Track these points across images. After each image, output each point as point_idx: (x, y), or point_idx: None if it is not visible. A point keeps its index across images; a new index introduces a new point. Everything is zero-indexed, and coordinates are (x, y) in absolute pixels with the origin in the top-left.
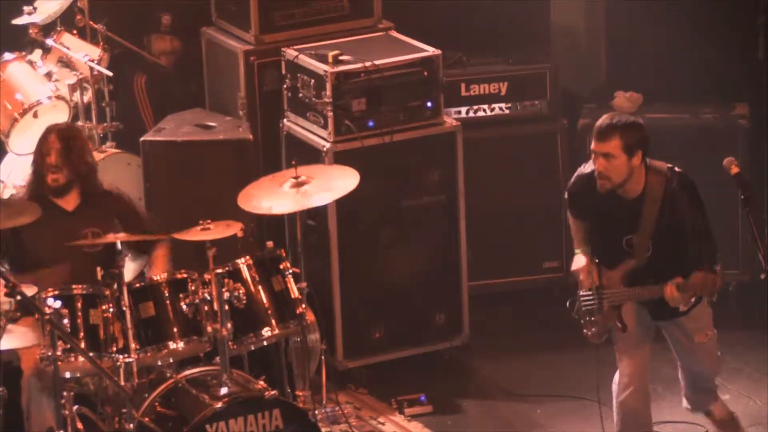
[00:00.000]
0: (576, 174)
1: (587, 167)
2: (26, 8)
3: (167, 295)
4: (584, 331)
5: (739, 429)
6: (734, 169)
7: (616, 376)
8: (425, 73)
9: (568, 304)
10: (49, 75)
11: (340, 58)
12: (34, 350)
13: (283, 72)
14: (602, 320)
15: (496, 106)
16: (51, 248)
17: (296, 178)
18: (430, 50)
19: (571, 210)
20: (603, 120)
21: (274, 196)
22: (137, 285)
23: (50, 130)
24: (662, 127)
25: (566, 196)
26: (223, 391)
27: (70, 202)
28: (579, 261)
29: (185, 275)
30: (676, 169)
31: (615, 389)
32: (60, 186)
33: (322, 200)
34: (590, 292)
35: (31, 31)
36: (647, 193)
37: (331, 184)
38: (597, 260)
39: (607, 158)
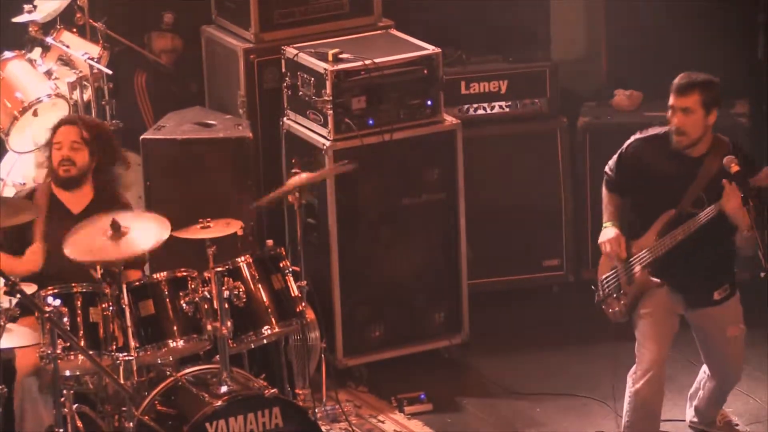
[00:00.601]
0: (632, 139)
1: (646, 135)
2: (26, 6)
3: (167, 293)
4: (609, 311)
5: (733, 430)
6: (734, 168)
7: (633, 367)
8: (425, 72)
9: (593, 287)
10: (48, 73)
11: (340, 56)
12: (31, 350)
13: (283, 70)
14: (633, 290)
15: (495, 104)
16: (56, 246)
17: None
18: (430, 48)
19: (612, 180)
20: (682, 77)
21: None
22: (137, 283)
23: (62, 121)
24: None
25: (613, 165)
26: (223, 389)
27: (77, 204)
28: (608, 233)
29: (185, 273)
30: (736, 143)
31: (630, 379)
32: (72, 174)
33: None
34: (614, 271)
35: (30, 29)
36: (711, 152)
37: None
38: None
39: (686, 113)
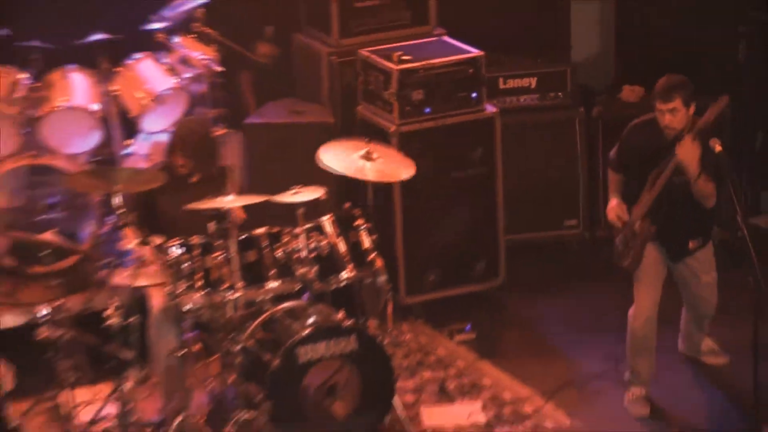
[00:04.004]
0: (630, 125)
1: (640, 121)
2: (155, 17)
3: (266, 244)
4: (623, 263)
5: (720, 357)
6: (718, 148)
7: (632, 309)
8: (471, 71)
9: (609, 247)
10: (171, 70)
11: (403, 57)
12: (160, 288)
13: (358, 69)
14: (638, 242)
15: (526, 97)
16: (175, 210)
17: (369, 153)
18: (475, 52)
19: (615, 162)
20: (662, 83)
21: (343, 158)
22: (242, 236)
23: (178, 129)
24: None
25: (615, 150)
26: (310, 320)
27: (193, 177)
28: (612, 203)
29: (279, 230)
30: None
31: (630, 317)
32: (187, 171)
33: (375, 178)
34: (623, 234)
35: (158, 35)
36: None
37: (391, 170)
38: (625, 202)
39: (672, 113)
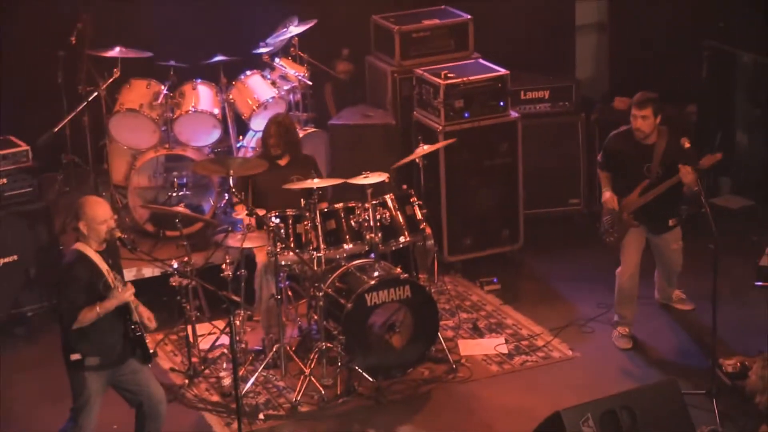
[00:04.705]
0: (610, 135)
1: (618, 132)
2: (261, 43)
3: (342, 216)
4: (607, 239)
5: (687, 304)
6: (686, 144)
7: (619, 268)
8: (499, 85)
9: (597, 225)
10: (273, 83)
11: (448, 75)
12: (263, 249)
13: (414, 83)
14: (621, 228)
15: (541, 105)
16: (273, 187)
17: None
18: (502, 71)
19: (603, 164)
20: (639, 96)
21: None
22: (325, 209)
23: (272, 120)
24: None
25: (601, 153)
26: (375, 273)
27: (284, 161)
28: (605, 195)
29: (353, 204)
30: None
31: (617, 275)
32: (279, 152)
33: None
34: (609, 216)
35: (263, 56)
36: (658, 140)
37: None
38: (616, 194)
39: (644, 119)
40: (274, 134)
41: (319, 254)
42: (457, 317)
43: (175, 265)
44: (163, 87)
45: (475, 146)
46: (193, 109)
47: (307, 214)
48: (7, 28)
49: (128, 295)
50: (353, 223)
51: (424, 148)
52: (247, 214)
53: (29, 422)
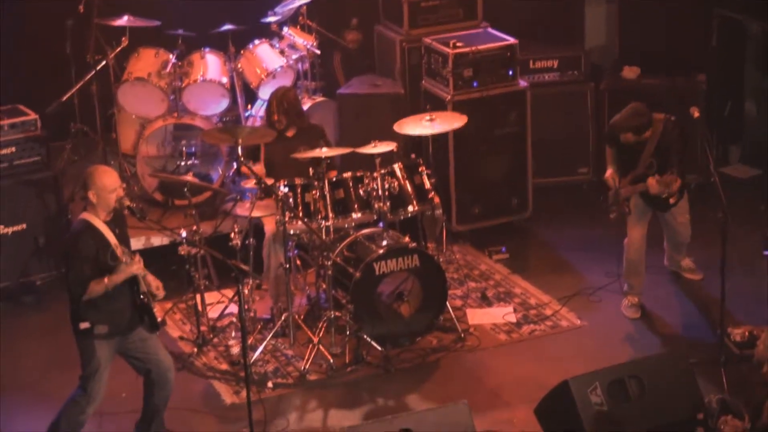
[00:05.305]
0: (615, 118)
1: (612, 121)
2: (270, 12)
3: (351, 185)
4: (610, 216)
5: (696, 274)
6: (696, 114)
7: (626, 239)
8: (508, 54)
9: (601, 198)
10: (282, 52)
11: (457, 44)
12: (272, 217)
13: (422, 53)
14: (618, 207)
15: (550, 74)
16: (281, 158)
17: (430, 117)
18: (511, 40)
19: (608, 142)
20: (619, 121)
21: (415, 125)
22: (333, 179)
23: (273, 95)
24: (654, 88)
25: (606, 131)
26: (384, 243)
27: (290, 133)
28: (607, 172)
29: (361, 174)
30: (672, 118)
31: (625, 245)
32: (283, 126)
33: (441, 130)
34: (611, 193)
35: (272, 26)
36: (653, 132)
37: (448, 123)
38: (617, 173)
39: (629, 138)
40: (276, 109)
41: (327, 223)
42: (466, 286)
43: (184, 234)
44: (171, 56)
45: (483, 115)
46: (201, 78)
47: (316, 183)
48: None
49: (136, 268)
50: (362, 192)
51: (435, 129)
52: (255, 183)
53: (38, 390)
